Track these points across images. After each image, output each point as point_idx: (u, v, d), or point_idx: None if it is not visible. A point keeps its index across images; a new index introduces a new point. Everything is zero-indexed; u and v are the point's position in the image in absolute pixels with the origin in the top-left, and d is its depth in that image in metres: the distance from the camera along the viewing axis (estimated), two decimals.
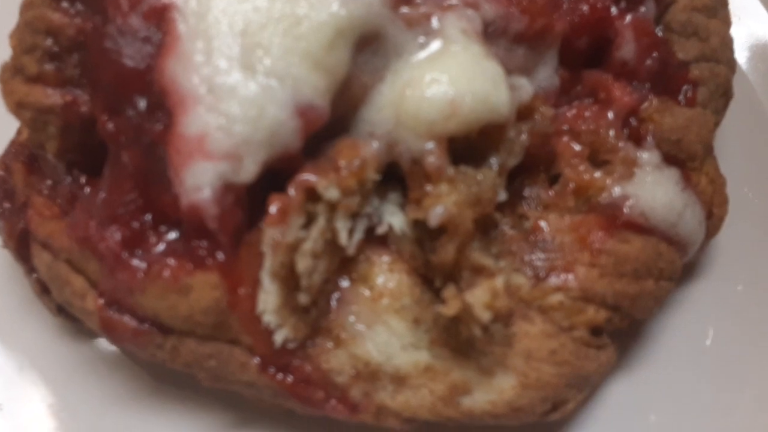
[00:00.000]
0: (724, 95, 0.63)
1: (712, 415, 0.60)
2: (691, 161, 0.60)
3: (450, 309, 0.47)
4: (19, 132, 0.59)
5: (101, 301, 0.50)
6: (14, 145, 0.59)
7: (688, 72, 0.61)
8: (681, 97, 0.61)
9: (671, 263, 0.56)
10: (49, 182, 0.55)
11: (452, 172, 0.49)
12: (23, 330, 0.60)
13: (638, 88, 0.59)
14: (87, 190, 0.52)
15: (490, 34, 0.54)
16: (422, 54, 0.51)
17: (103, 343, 0.59)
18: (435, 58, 0.51)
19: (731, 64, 0.64)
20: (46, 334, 0.59)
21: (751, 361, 0.63)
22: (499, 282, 0.47)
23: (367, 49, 0.51)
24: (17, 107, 0.51)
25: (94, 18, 0.50)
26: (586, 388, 0.55)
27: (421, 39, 0.52)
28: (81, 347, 0.59)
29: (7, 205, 0.56)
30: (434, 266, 0.49)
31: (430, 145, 0.49)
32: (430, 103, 0.49)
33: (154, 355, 0.51)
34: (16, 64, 0.53)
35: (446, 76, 0.50)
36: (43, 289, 0.55)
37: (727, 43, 0.63)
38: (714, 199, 0.62)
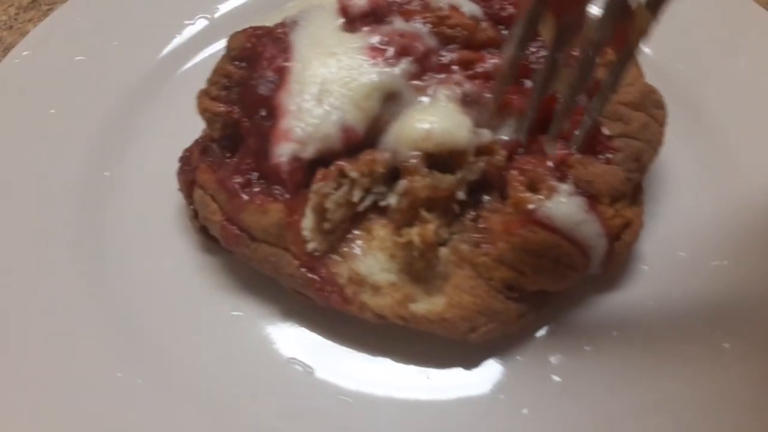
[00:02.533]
0: (636, 160, 0.93)
1: None
2: (600, 197, 0.89)
3: (405, 238, 0.81)
4: (201, 136, 1.03)
5: (223, 217, 0.89)
6: (196, 141, 1.02)
7: (610, 142, 0.92)
8: (602, 158, 0.92)
9: (568, 255, 0.85)
10: (210, 159, 0.97)
11: (425, 172, 0.84)
12: None
13: (571, 148, 0.91)
14: (227, 160, 0.93)
15: (467, 102, 0.90)
16: (420, 106, 0.88)
17: None
18: (426, 108, 0.87)
19: (649, 141, 0.94)
20: None
21: None
22: (431, 226, 0.81)
23: (390, 101, 0.88)
24: (203, 111, 0.94)
25: (249, 70, 0.93)
26: (493, 322, 0.84)
27: (422, 98, 0.89)
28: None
29: (186, 168, 0.98)
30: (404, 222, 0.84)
31: (415, 154, 0.85)
32: (415, 130, 0.85)
33: (244, 253, 0.89)
34: (207, 89, 0.96)
35: (428, 118, 0.85)
36: (194, 215, 0.96)
37: (647, 128, 0.94)
38: (624, 229, 0.91)
